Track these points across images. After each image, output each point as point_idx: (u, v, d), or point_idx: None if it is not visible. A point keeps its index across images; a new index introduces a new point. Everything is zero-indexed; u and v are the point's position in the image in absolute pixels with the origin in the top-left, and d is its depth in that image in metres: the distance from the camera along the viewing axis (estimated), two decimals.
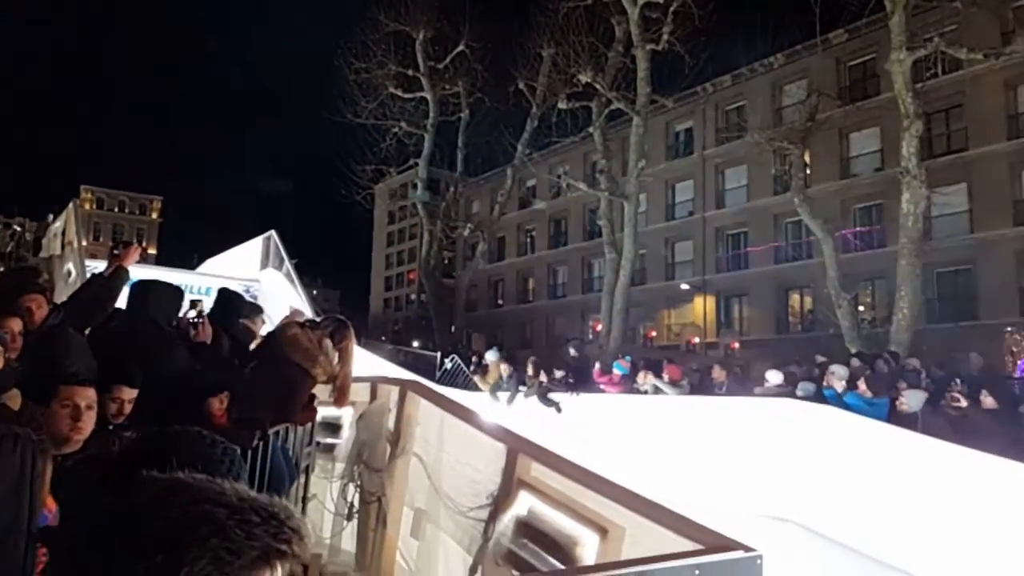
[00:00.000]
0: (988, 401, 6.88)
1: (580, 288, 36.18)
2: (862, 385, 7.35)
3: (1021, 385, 13.19)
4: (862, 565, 6.09)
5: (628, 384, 9.23)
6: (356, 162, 25.98)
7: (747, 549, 2.39)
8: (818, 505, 6.85)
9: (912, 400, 7.08)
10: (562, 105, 22.16)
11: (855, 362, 9.64)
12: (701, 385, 9.68)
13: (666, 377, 9.22)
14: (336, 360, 4.43)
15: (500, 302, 41.44)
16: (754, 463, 7.37)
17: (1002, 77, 22.06)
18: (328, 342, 4.39)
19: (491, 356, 11.07)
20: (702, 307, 31.72)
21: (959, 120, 24.51)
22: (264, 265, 13.23)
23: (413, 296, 27.03)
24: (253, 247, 13.63)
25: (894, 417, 6.97)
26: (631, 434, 8.55)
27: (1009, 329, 22.33)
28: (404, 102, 25.41)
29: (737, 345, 26.69)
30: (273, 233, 13.12)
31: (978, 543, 5.68)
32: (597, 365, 10.35)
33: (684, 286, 31.59)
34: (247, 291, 10.14)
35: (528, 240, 41.06)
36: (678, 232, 33.02)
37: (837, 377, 7.60)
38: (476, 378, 10.90)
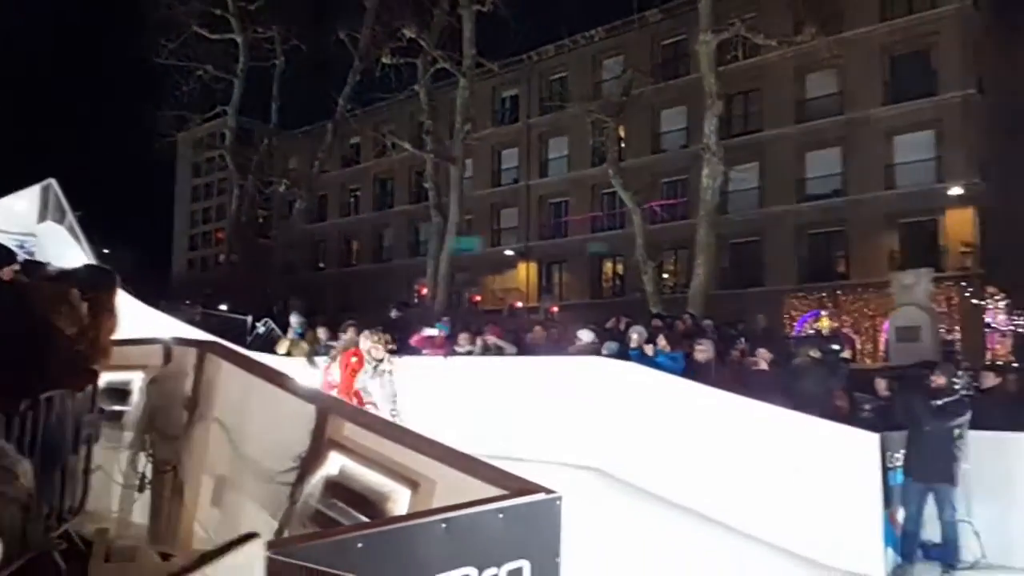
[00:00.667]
0: (764, 353, 7.72)
1: (406, 252, 35.83)
2: (662, 340, 7.96)
3: (796, 342, 15.00)
4: (658, 507, 6.61)
5: (449, 347, 9.27)
6: (154, 107, 23.73)
7: (548, 492, 2.49)
8: (619, 453, 7.34)
9: (704, 351, 7.76)
10: (386, 60, 21.54)
11: (656, 322, 10.38)
12: (521, 346, 9.94)
13: (491, 339, 9.37)
14: (86, 311, 3.86)
15: (321, 265, 40.03)
16: (566, 416, 7.73)
17: (793, 65, 24.49)
18: (75, 291, 3.82)
19: (295, 320, 10.66)
20: (525, 273, 32.71)
21: (755, 103, 26.94)
22: (43, 218, 11.66)
23: (222, 257, 25.29)
24: (29, 198, 11.94)
25: (690, 372, 7.58)
26: (451, 394, 8.63)
27: (789, 294, 25.30)
28: (211, 44, 23.45)
29: (556, 309, 27.84)
30: (53, 182, 11.54)
31: (756, 481, 6.37)
32: (424, 330, 10.29)
33: (508, 252, 32.35)
34: (21, 246, 8.92)
35: (352, 200, 39.87)
36: (503, 198, 33.64)
37: (636, 336, 8.19)
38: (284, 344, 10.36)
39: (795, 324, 24.80)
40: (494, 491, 2.54)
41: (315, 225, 37.35)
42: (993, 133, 23.25)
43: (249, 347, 10.44)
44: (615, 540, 5.37)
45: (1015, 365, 20.14)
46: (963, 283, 22.63)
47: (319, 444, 3.55)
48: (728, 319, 12.80)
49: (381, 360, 6.82)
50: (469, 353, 9.21)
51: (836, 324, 23.67)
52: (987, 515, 5.76)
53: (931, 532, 5.96)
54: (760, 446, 6.40)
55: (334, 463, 3.40)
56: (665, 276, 25.55)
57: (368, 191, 38.76)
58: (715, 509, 6.50)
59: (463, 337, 9.29)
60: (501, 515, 2.37)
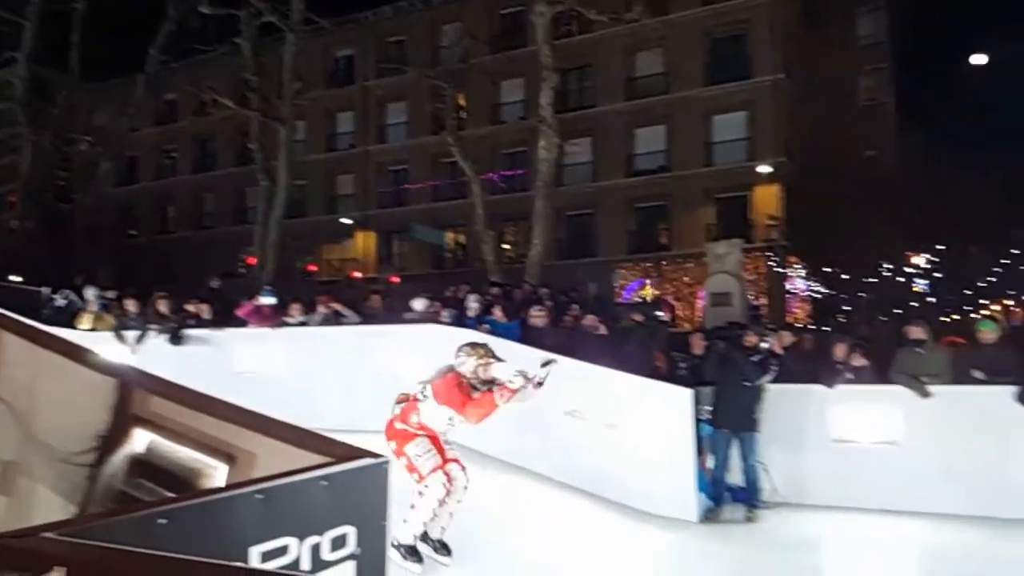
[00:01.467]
0: (591, 319, 8.11)
1: (231, 218, 33.60)
2: (498, 312, 8.10)
3: (623, 309, 15.85)
4: (492, 468, 6.73)
5: (278, 318, 8.82)
6: None
7: (374, 456, 2.41)
8: None
9: (539, 318, 7.99)
10: (204, 9, 19.85)
11: (494, 291, 10.51)
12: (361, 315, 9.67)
13: (335, 306, 9.03)
14: None
15: (133, 232, 36.54)
16: (405, 385, 7.64)
17: (623, 42, 25.49)
18: None
19: (90, 293, 9.68)
20: (363, 242, 31.92)
21: (589, 78, 27.83)
22: None
23: (14, 223, 22.31)
24: None
25: (526, 337, 7.75)
26: (281, 365, 8.26)
27: (618, 264, 26.68)
28: None
29: (397, 280, 27.46)
30: None
31: (582, 437, 6.66)
32: (258, 298, 9.69)
33: (346, 220, 31.38)
34: None
35: (168, 162, 36.69)
36: (340, 164, 32.49)
37: (473, 304, 8.28)
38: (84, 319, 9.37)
39: (624, 292, 26.25)
40: (318, 459, 2.44)
41: (124, 188, 34.04)
42: (797, 116, 25.72)
43: (46, 322, 9.35)
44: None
45: (811, 327, 22.63)
46: (769, 253, 24.98)
47: (122, 421, 3.22)
48: (563, 287, 13.22)
49: (492, 380, 4.67)
50: (302, 324, 8.83)
51: (659, 292, 25.37)
52: (781, 459, 6.40)
53: (735, 476, 6.53)
54: (586, 404, 6.70)
55: (140, 440, 3.11)
56: (506, 246, 25.97)
57: (186, 152, 35.81)
58: (546, 466, 6.74)
59: (295, 307, 8.88)
60: (325, 483, 2.29)
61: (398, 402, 4.78)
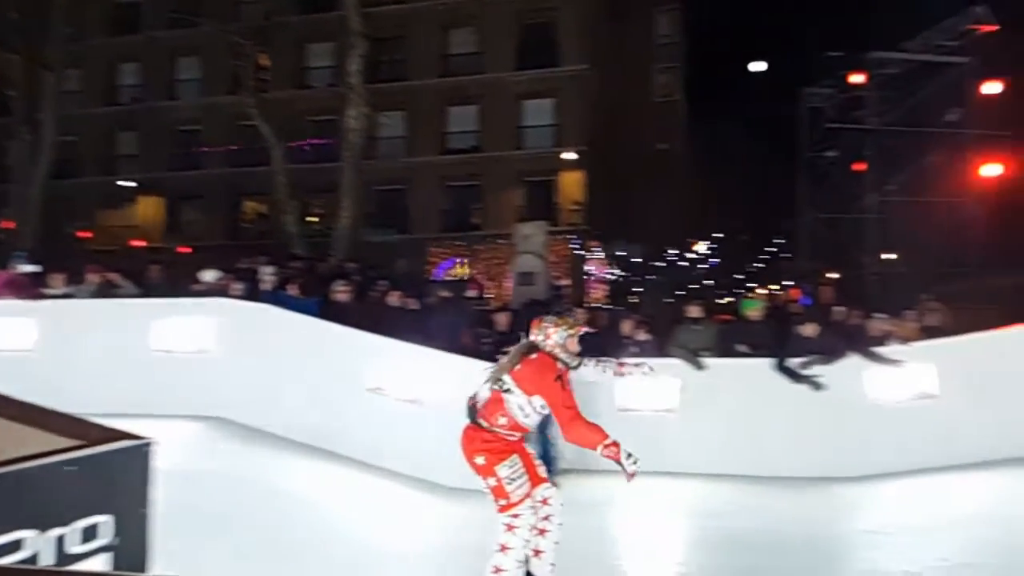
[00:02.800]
0: (396, 295, 8.00)
1: None
2: (293, 287, 7.75)
3: (433, 286, 15.84)
4: (285, 450, 6.44)
5: (36, 288, 7.73)
6: None
7: (135, 438, 2.17)
8: (246, 398, 6.97)
9: (343, 293, 7.73)
10: None
11: (295, 263, 10.02)
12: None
13: (90, 279, 8.07)
14: None
15: None
16: (187, 363, 7.08)
17: (439, 17, 25.28)
18: None
19: None
20: (147, 209, 29.11)
21: (403, 51, 27.30)
22: None
23: None
24: None
25: (329, 313, 7.46)
26: (37, 341, 7.28)
27: (432, 242, 26.65)
28: None
29: (188, 251, 25.34)
30: None
31: (383, 412, 6.56)
32: (18, 266, 8.40)
33: (127, 184, 28.37)
34: None
35: None
36: (122, 120, 29.23)
37: (268, 277, 7.85)
38: None
39: (436, 270, 26.32)
40: (68, 442, 2.16)
41: None
42: (599, 106, 27.14)
43: None
44: (236, 487, 5.09)
45: (607, 306, 24.17)
46: (571, 236, 26.26)
47: None
48: (373, 263, 12.90)
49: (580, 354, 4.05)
50: (67, 296, 7.83)
51: (471, 271, 25.76)
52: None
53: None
54: (389, 380, 6.62)
55: None
56: (312, 219, 24.92)
57: None
58: (346, 444, 6.57)
59: (57, 277, 7.85)
60: (73, 468, 2.03)
61: (471, 405, 3.96)
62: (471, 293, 10.37)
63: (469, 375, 6.32)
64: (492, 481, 3.71)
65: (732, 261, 43.25)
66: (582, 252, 26.81)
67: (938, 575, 4.14)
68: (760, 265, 44.48)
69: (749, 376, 6.87)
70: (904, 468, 6.33)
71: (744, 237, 44.31)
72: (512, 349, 3.99)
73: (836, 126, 26.70)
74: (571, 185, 26.57)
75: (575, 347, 3.92)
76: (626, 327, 7.25)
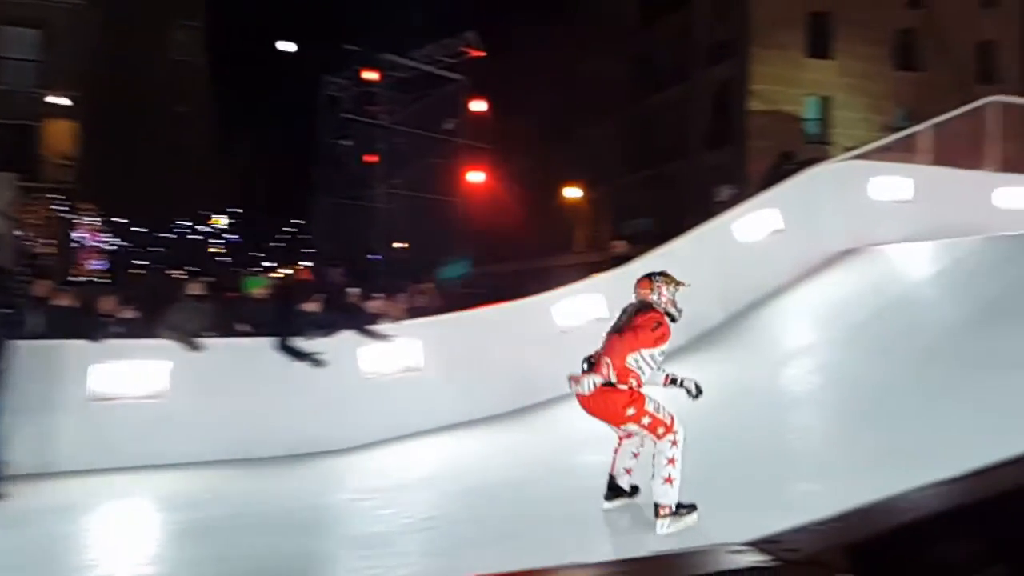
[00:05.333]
0: None
1: None
2: None
3: None
4: None
5: None
6: None
7: None
8: None
9: None
10: None
11: None
12: None
13: None
14: None
15: None
16: None
17: None
18: None
19: None
20: None
21: None
22: None
23: None
24: None
25: None
26: None
27: None
28: None
29: None
30: None
31: None
32: None
33: None
34: None
35: None
36: None
37: None
38: None
39: None
40: None
41: None
42: (102, 51, 23.45)
43: None
44: None
45: (100, 279, 21.10)
46: (57, 196, 22.21)
47: None
48: None
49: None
50: None
51: None
52: (28, 424, 5.58)
53: None
54: None
55: None
56: None
57: None
58: None
59: None
60: None
61: (598, 371, 4.09)
62: None
63: None
64: (647, 420, 4.07)
65: (252, 239, 42.33)
66: (70, 216, 22.94)
67: (405, 532, 4.55)
68: (280, 244, 44.56)
69: (249, 356, 6.64)
70: (392, 435, 6.87)
71: (264, 215, 43.78)
72: (627, 308, 4.38)
73: (351, 117, 28.12)
74: (59, 136, 22.44)
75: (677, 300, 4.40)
76: (107, 304, 6.30)
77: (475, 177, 26.98)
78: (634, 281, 4.46)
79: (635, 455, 4.37)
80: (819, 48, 25.14)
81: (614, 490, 4.42)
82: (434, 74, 26.56)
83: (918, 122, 11.14)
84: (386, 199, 27.00)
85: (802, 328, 8.79)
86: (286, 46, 30.95)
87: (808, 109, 25.35)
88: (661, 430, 4.04)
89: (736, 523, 3.34)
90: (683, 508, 4.01)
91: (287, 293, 7.76)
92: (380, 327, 7.13)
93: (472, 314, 7.80)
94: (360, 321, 7.06)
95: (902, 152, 10.46)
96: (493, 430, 6.89)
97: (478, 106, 27.61)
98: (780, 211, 9.39)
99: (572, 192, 28.73)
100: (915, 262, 8.92)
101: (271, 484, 5.80)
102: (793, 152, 11.82)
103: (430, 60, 26.50)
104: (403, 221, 26.84)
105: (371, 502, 5.21)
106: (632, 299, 4.44)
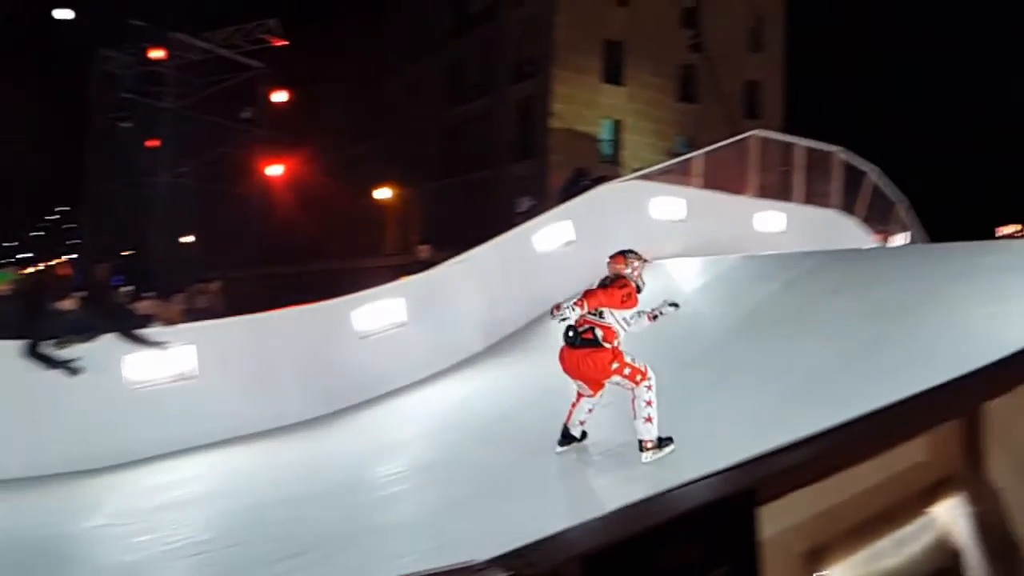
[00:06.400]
0: None
1: None
2: None
3: None
4: None
5: None
6: None
7: None
8: None
9: None
10: None
11: None
12: None
13: None
14: None
15: None
16: None
17: None
18: None
19: None
20: None
21: None
22: None
23: None
24: None
25: None
26: None
27: None
28: None
29: None
30: None
31: None
32: None
33: None
34: None
35: None
36: None
37: None
38: None
39: None
40: None
41: None
42: None
43: None
44: None
45: None
46: None
47: None
48: None
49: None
50: None
51: None
52: None
53: None
54: None
55: None
56: None
57: None
58: None
59: None
60: None
61: (584, 335, 4.80)
62: None
63: None
64: (628, 371, 4.74)
65: (4, 227, 36.92)
66: None
67: (164, 559, 4.08)
68: (39, 234, 39.34)
69: None
70: (163, 451, 6.25)
71: (19, 201, 38.38)
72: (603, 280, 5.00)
73: (132, 97, 25.48)
74: None
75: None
76: None
77: (275, 171, 25.64)
78: (608, 257, 5.11)
79: (590, 411, 5.04)
80: (613, 74, 26.93)
81: (567, 438, 5.10)
82: (231, 59, 24.87)
83: (695, 149, 12.28)
84: (170, 188, 24.77)
85: None
86: (63, 13, 27.36)
87: (603, 130, 27.07)
88: (639, 377, 4.74)
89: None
90: (663, 440, 4.76)
91: (38, 290, 6.75)
92: (150, 331, 6.46)
93: (260, 318, 7.31)
94: (126, 324, 6.34)
95: (680, 175, 11.42)
96: (280, 442, 6.50)
97: (280, 97, 26.28)
98: (574, 224, 9.87)
99: (382, 193, 28.29)
100: (687, 276, 9.78)
101: (6, 510, 5.00)
102: (587, 169, 12.50)
103: (227, 44, 24.78)
104: (189, 213, 24.74)
105: (128, 527, 4.64)
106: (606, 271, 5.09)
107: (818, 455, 1.69)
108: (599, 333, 4.75)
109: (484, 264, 8.90)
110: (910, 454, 1.71)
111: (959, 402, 1.70)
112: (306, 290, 9.91)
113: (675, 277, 9.87)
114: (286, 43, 24.09)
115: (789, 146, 12.38)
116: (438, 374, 7.75)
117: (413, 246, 11.19)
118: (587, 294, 4.69)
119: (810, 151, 12.30)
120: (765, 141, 12.14)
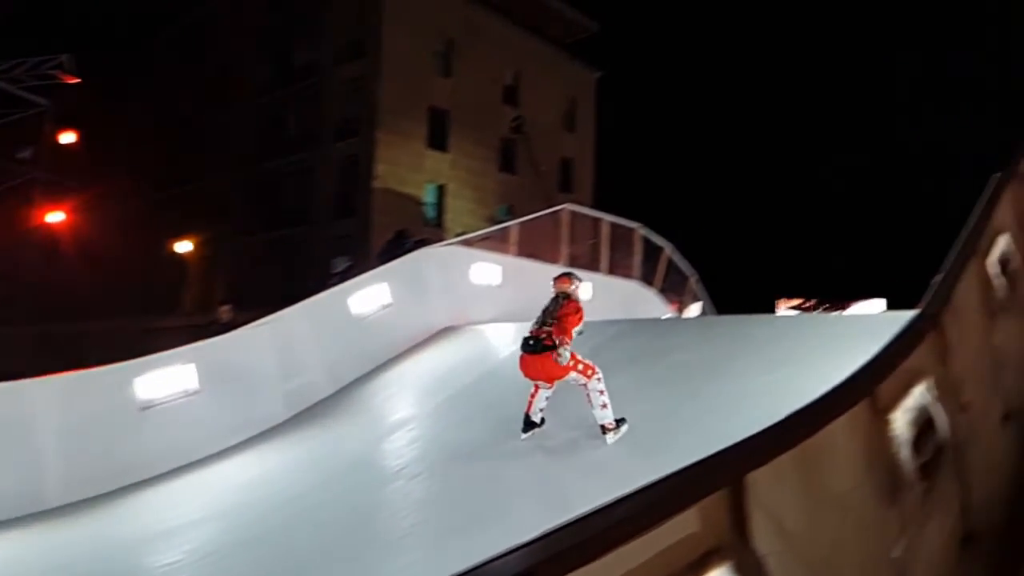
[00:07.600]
0: None
1: None
2: None
3: None
4: None
5: None
6: None
7: None
8: None
9: None
10: None
11: None
12: None
13: None
14: None
15: None
16: None
17: None
18: None
19: None
20: None
21: None
22: None
23: None
24: None
25: None
26: None
27: None
28: None
29: None
30: None
31: None
32: None
33: None
34: None
35: None
36: None
37: None
38: None
39: None
40: None
41: None
42: None
43: None
44: None
45: None
46: None
47: None
48: None
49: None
50: None
51: None
52: None
53: None
54: None
55: None
56: None
57: None
58: None
59: None
60: None
61: (546, 344, 5.54)
62: None
63: None
64: (581, 367, 5.60)
65: None
66: None
67: None
68: None
69: None
70: None
71: None
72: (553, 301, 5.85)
73: None
74: None
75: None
76: None
77: (55, 217, 23.00)
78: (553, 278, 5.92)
79: (547, 399, 5.88)
80: (437, 141, 27.52)
81: (529, 424, 5.96)
82: (11, 94, 22.29)
83: (515, 217, 12.71)
84: None
85: (405, 400, 9.05)
86: None
87: (427, 194, 27.38)
88: (590, 372, 5.57)
89: None
90: (620, 422, 5.60)
91: None
92: None
93: (14, 386, 6.32)
94: None
95: (498, 242, 11.73)
96: (32, 530, 5.59)
97: (68, 138, 23.87)
98: (391, 287, 9.70)
99: (183, 246, 26.32)
100: (502, 341, 9.92)
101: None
102: (408, 231, 12.49)
103: (11, 78, 22.23)
104: None
105: None
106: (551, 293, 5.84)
107: (596, 533, 1.65)
108: (556, 339, 5.55)
109: (292, 326, 8.45)
110: (683, 526, 1.73)
111: (725, 473, 1.76)
112: (87, 352, 8.84)
113: (492, 341, 9.97)
114: (78, 81, 22.03)
115: (597, 220, 13.19)
116: (233, 448, 7.12)
117: (214, 305, 10.42)
118: (564, 327, 5.55)
119: (614, 226, 13.17)
120: (575, 214, 12.84)
